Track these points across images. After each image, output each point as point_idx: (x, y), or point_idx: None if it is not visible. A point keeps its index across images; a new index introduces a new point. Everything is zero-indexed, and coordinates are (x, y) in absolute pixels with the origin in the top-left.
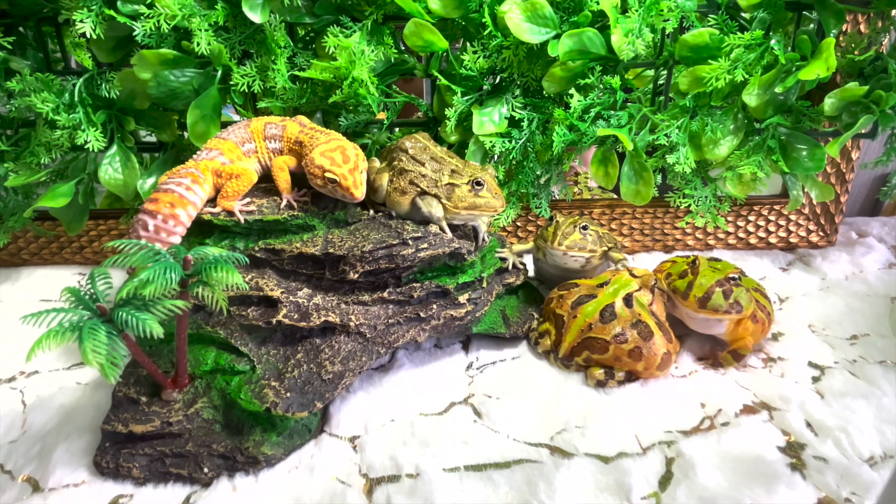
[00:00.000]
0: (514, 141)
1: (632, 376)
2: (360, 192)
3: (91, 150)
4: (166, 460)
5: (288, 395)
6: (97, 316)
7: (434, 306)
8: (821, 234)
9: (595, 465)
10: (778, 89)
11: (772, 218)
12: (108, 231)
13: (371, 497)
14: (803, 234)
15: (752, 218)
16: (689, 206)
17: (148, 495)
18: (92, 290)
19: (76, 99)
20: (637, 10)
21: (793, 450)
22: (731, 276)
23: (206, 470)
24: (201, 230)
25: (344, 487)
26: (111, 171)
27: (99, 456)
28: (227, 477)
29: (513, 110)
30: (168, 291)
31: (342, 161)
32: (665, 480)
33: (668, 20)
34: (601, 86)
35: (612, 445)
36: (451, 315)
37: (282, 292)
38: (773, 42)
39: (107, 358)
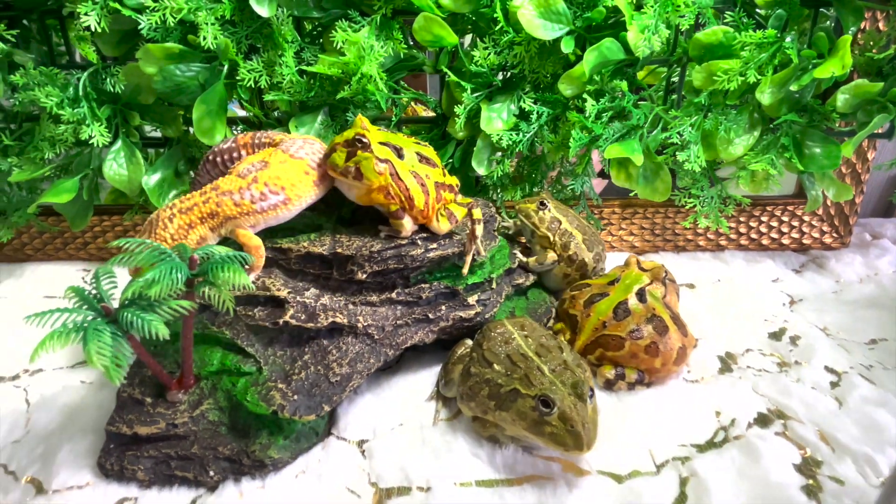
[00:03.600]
0: (521, 133)
1: (644, 378)
2: None
3: (96, 145)
4: (171, 463)
5: (295, 397)
6: (102, 316)
7: (443, 307)
8: (834, 235)
9: (608, 485)
10: (793, 87)
11: (785, 219)
12: (112, 227)
13: None
14: (816, 235)
15: (764, 219)
16: (695, 206)
17: (153, 499)
18: (96, 290)
19: (80, 93)
20: (653, 6)
21: (808, 468)
22: (359, 137)
23: (211, 473)
24: None
25: (355, 499)
26: (116, 166)
27: (103, 458)
28: (233, 481)
29: (521, 102)
30: (174, 291)
31: None
32: (678, 503)
33: (683, 16)
34: (609, 90)
35: (626, 462)
36: (460, 316)
37: (289, 292)
38: (787, 40)
39: (111, 360)
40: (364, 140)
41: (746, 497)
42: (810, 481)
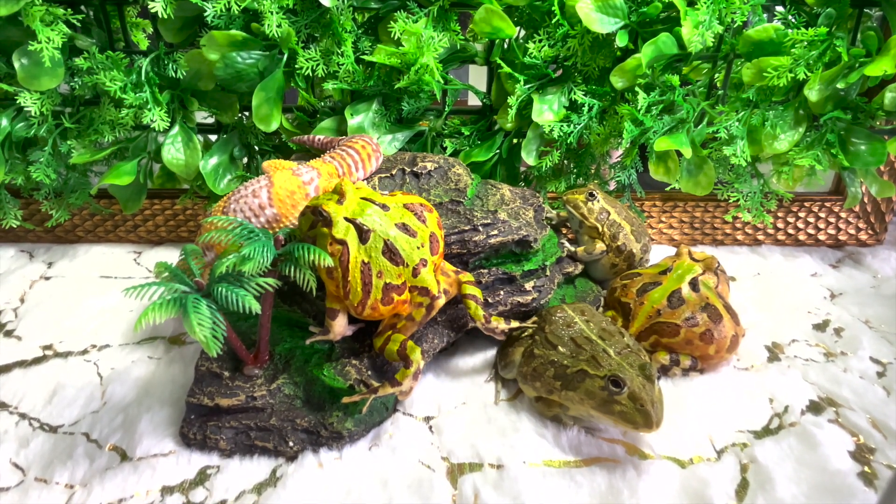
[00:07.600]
0: (572, 125)
1: (697, 365)
2: None
3: (156, 129)
4: (251, 433)
5: (369, 373)
6: (195, 291)
7: (501, 292)
8: (870, 232)
9: (673, 469)
10: (840, 85)
11: (822, 215)
12: (162, 210)
13: (456, 484)
14: (852, 231)
15: (801, 214)
16: (738, 200)
17: (235, 467)
18: (187, 266)
19: (143, 78)
20: (706, 3)
21: (863, 455)
22: (321, 210)
23: (290, 443)
24: None
25: (429, 472)
26: (173, 150)
27: (185, 427)
28: (311, 451)
29: (572, 94)
30: (261, 269)
31: None
32: (741, 489)
33: (735, 12)
34: (659, 84)
35: (687, 447)
36: (518, 301)
37: None
38: (836, 39)
39: (210, 331)
40: (325, 214)
41: (807, 485)
42: (866, 468)
